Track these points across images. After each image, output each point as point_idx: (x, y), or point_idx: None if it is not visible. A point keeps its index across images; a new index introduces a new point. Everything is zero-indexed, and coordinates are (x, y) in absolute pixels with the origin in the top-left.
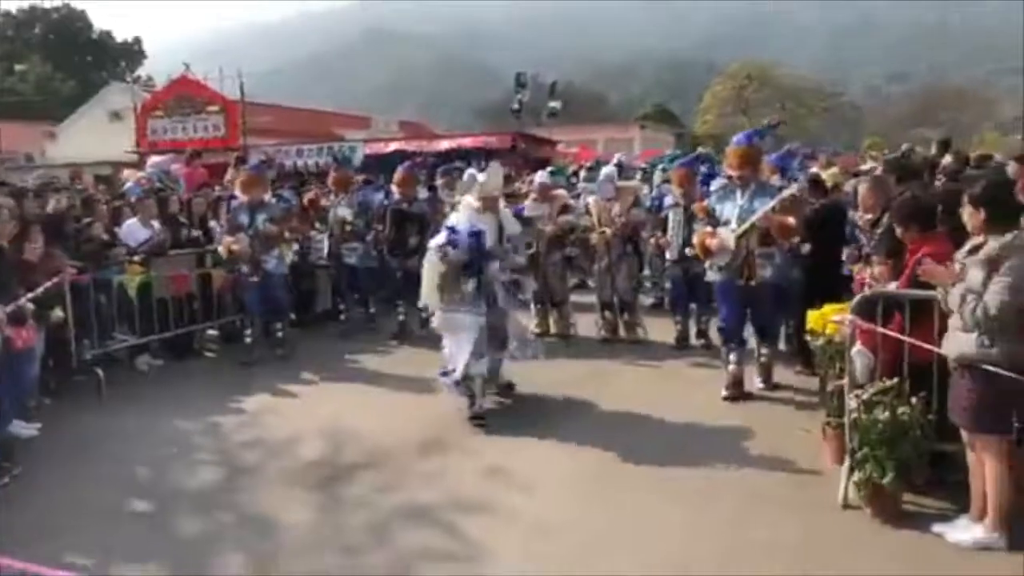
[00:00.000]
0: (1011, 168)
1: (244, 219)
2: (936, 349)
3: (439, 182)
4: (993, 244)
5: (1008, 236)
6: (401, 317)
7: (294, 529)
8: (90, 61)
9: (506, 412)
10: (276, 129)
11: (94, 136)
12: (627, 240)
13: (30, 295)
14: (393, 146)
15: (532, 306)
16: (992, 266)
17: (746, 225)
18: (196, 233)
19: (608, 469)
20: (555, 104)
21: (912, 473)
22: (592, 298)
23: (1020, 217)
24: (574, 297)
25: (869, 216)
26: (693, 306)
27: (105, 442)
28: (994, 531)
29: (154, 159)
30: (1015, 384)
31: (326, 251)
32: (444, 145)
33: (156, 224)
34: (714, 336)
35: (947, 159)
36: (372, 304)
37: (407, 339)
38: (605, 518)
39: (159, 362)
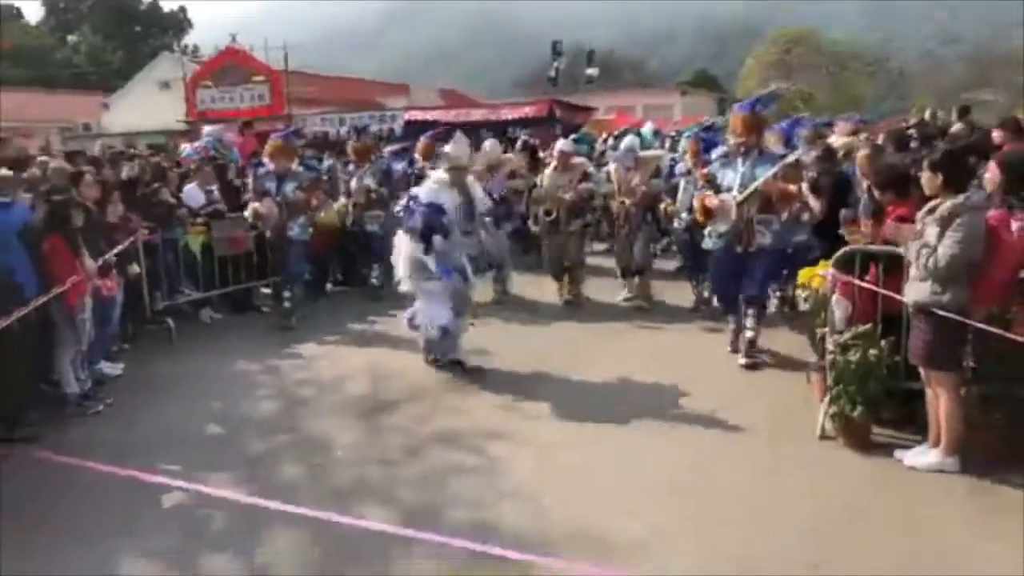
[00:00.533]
0: (996, 134)
1: (271, 186)
2: (901, 298)
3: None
4: (947, 204)
5: (960, 197)
6: None
7: (343, 449)
8: (139, 31)
9: (524, 360)
10: (320, 98)
11: (145, 106)
12: (647, 209)
13: (112, 251)
14: (433, 115)
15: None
16: (945, 223)
17: (749, 191)
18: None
19: (610, 407)
20: (592, 71)
21: (880, 408)
22: (611, 262)
23: (972, 181)
24: (599, 261)
25: (867, 182)
26: (704, 273)
27: (180, 380)
28: (947, 456)
29: (209, 128)
30: (962, 326)
31: (350, 220)
32: (482, 113)
33: (214, 189)
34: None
35: (957, 126)
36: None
37: None
38: (604, 443)
39: (219, 315)
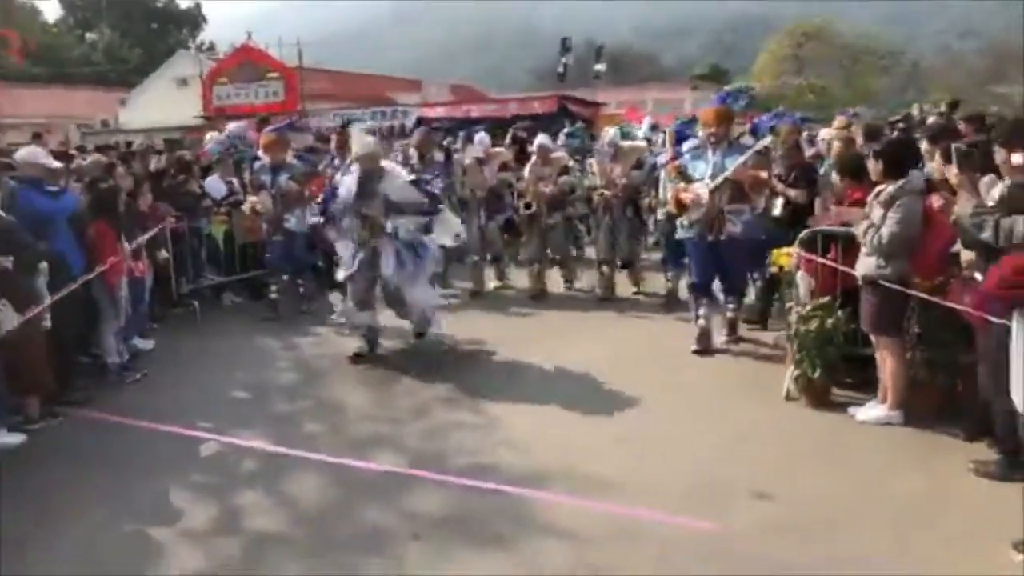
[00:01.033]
0: (962, 127)
1: (267, 179)
2: (854, 272)
3: (457, 144)
4: (888, 189)
5: (900, 182)
6: None
7: (356, 410)
8: (155, 28)
9: (520, 335)
10: (334, 94)
11: (163, 102)
12: (628, 201)
13: (143, 237)
14: (443, 110)
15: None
16: (887, 205)
17: (720, 179)
18: None
19: (593, 378)
20: (600, 67)
21: (837, 371)
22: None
23: (911, 168)
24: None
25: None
26: (684, 261)
27: (206, 354)
28: (892, 410)
29: (231, 125)
30: (903, 295)
31: None
32: (491, 109)
33: (235, 181)
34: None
35: (931, 119)
36: None
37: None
38: (588, 405)
39: (239, 299)
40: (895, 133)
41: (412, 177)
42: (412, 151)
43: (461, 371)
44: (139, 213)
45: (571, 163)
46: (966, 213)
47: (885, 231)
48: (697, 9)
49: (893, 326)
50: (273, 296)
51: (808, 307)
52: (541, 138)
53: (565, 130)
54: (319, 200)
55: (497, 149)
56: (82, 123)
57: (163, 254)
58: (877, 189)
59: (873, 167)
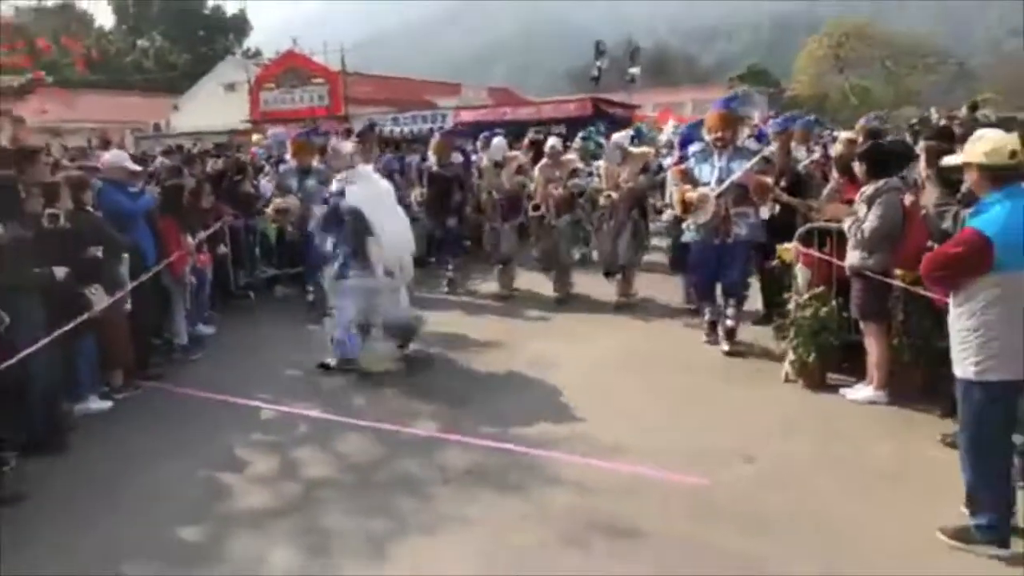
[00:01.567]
0: (959, 130)
1: (293, 182)
2: (843, 264)
3: (478, 145)
4: (870, 187)
5: (880, 182)
6: (449, 274)
7: (393, 386)
8: (202, 35)
9: (533, 333)
10: (375, 98)
11: (211, 107)
12: (633, 205)
13: (205, 232)
14: (479, 114)
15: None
16: (869, 202)
17: (727, 183)
18: None
19: (605, 367)
20: (634, 70)
21: (831, 356)
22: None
23: (891, 169)
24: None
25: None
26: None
27: (261, 339)
28: (878, 390)
29: (272, 130)
30: (886, 285)
31: None
32: (527, 112)
33: None
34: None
35: (942, 122)
36: None
37: (456, 289)
38: (600, 384)
39: (289, 291)
40: (907, 135)
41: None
42: (431, 154)
43: (484, 360)
44: (201, 211)
45: (582, 166)
46: (931, 204)
47: (866, 226)
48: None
49: (877, 313)
50: (311, 299)
51: (805, 297)
52: (552, 141)
53: (580, 133)
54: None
55: (513, 152)
56: (135, 127)
57: (222, 248)
58: (861, 188)
59: (857, 168)
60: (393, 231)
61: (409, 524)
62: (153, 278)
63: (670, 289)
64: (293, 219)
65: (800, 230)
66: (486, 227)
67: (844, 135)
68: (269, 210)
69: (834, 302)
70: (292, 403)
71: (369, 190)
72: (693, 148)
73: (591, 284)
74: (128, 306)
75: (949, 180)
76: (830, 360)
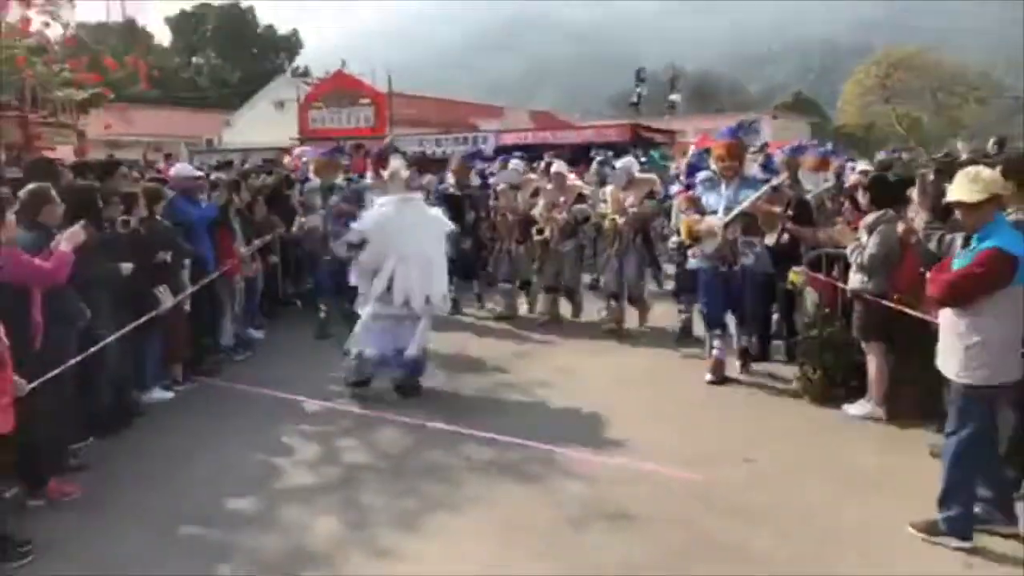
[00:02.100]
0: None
1: (318, 200)
2: (844, 286)
3: (495, 167)
4: (872, 216)
5: (880, 212)
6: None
7: (425, 389)
8: (255, 53)
9: (540, 353)
10: (419, 119)
11: (261, 124)
12: (639, 231)
13: (257, 243)
14: (521, 137)
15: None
16: (870, 230)
17: (736, 211)
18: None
19: (613, 383)
20: (675, 97)
21: (835, 374)
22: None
23: (893, 200)
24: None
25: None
26: (695, 294)
27: (306, 343)
28: (877, 406)
29: (298, 150)
30: (883, 306)
31: None
32: (568, 136)
33: None
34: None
35: (964, 156)
36: None
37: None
38: (609, 396)
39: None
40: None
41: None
42: (449, 176)
43: (506, 371)
44: (254, 223)
45: (588, 191)
46: (920, 228)
47: (866, 252)
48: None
49: (876, 333)
50: (323, 315)
51: (812, 318)
52: (556, 165)
53: (597, 158)
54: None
55: (530, 176)
56: (189, 141)
57: (272, 258)
58: (866, 218)
59: (861, 197)
60: (414, 263)
61: (437, 503)
62: (208, 283)
63: (671, 318)
64: (318, 237)
65: (809, 255)
66: (496, 248)
67: (860, 166)
68: (295, 228)
69: (839, 323)
70: (334, 399)
71: (395, 216)
72: (700, 176)
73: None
74: (187, 307)
75: (937, 207)
76: (835, 377)
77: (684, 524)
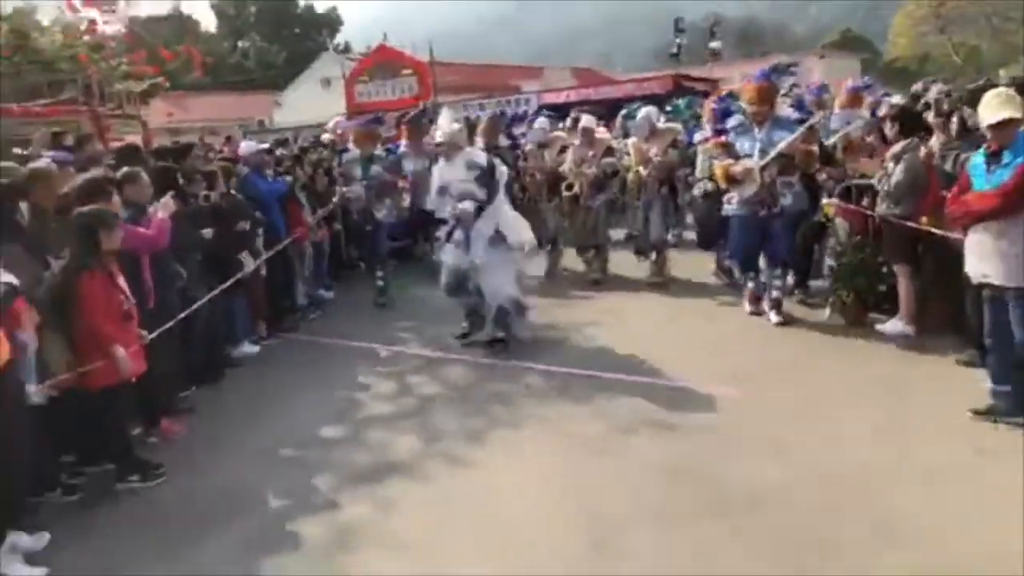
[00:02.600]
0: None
1: (357, 171)
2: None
3: (524, 128)
4: (898, 146)
5: (905, 141)
6: None
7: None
8: (297, 33)
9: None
10: (462, 85)
11: (309, 102)
12: (663, 182)
13: (322, 211)
14: (563, 96)
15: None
16: (896, 159)
17: (773, 153)
18: None
19: (659, 323)
20: (715, 45)
21: (867, 297)
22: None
23: (919, 130)
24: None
25: None
26: (722, 241)
27: (372, 301)
28: (907, 324)
29: (331, 124)
30: (911, 230)
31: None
32: (610, 91)
33: None
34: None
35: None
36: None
37: None
38: (651, 333)
39: (393, 262)
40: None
41: (478, 172)
42: (479, 137)
43: (553, 317)
44: (317, 193)
45: (616, 144)
46: (936, 149)
47: (893, 179)
48: None
49: (904, 255)
50: (381, 283)
51: (843, 247)
52: (585, 119)
53: (622, 111)
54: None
55: (557, 133)
56: (241, 123)
57: (336, 226)
58: (893, 147)
59: (888, 128)
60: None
61: (500, 422)
62: (281, 249)
63: (703, 265)
64: (359, 208)
65: (839, 187)
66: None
67: (894, 99)
68: (335, 199)
69: (869, 249)
70: (403, 345)
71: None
72: (731, 121)
73: (627, 264)
74: (263, 272)
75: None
76: (867, 300)
77: (722, 430)
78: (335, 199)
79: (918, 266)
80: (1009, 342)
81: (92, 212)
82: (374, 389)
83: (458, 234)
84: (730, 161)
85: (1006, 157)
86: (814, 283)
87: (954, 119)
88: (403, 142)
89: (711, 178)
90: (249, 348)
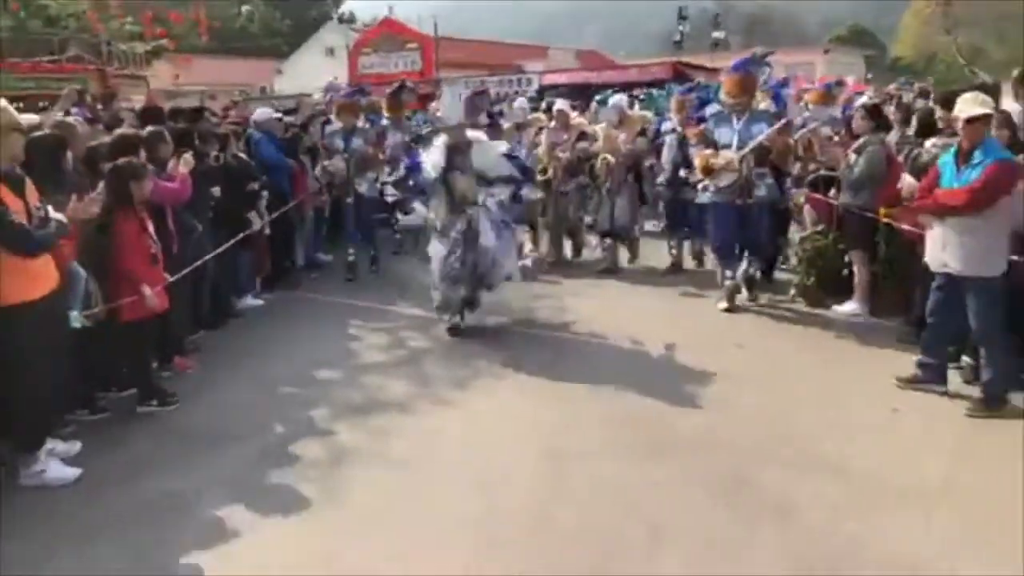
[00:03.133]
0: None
1: (339, 143)
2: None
3: (503, 107)
4: (862, 139)
5: (870, 136)
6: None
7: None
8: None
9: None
10: (465, 62)
11: (312, 70)
12: (630, 169)
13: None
14: (565, 77)
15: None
16: (859, 152)
17: (753, 144)
18: None
19: (625, 297)
20: (718, 35)
21: (828, 280)
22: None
23: (883, 126)
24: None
25: None
26: (687, 229)
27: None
28: (860, 305)
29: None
30: (869, 219)
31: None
32: (611, 75)
33: None
34: (709, 259)
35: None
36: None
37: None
38: (623, 310)
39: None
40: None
41: (504, 149)
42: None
43: (532, 290)
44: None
45: (590, 129)
46: (893, 142)
47: (856, 170)
48: None
49: (862, 243)
50: (351, 259)
51: (809, 232)
52: (560, 102)
53: (597, 96)
54: (400, 174)
55: (536, 115)
56: (243, 89)
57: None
58: (857, 140)
59: (857, 122)
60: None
61: (481, 372)
62: (284, 212)
63: (665, 253)
64: (340, 181)
65: (809, 177)
66: None
67: (864, 99)
68: (317, 171)
69: (832, 236)
70: (397, 305)
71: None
72: (710, 111)
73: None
74: (267, 231)
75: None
76: (827, 283)
77: (676, 388)
78: (316, 172)
79: (874, 253)
80: (947, 323)
81: (127, 164)
82: (368, 341)
83: (481, 223)
84: (710, 152)
85: (976, 156)
86: (778, 271)
87: (913, 117)
88: (385, 114)
89: (687, 167)
90: (252, 301)
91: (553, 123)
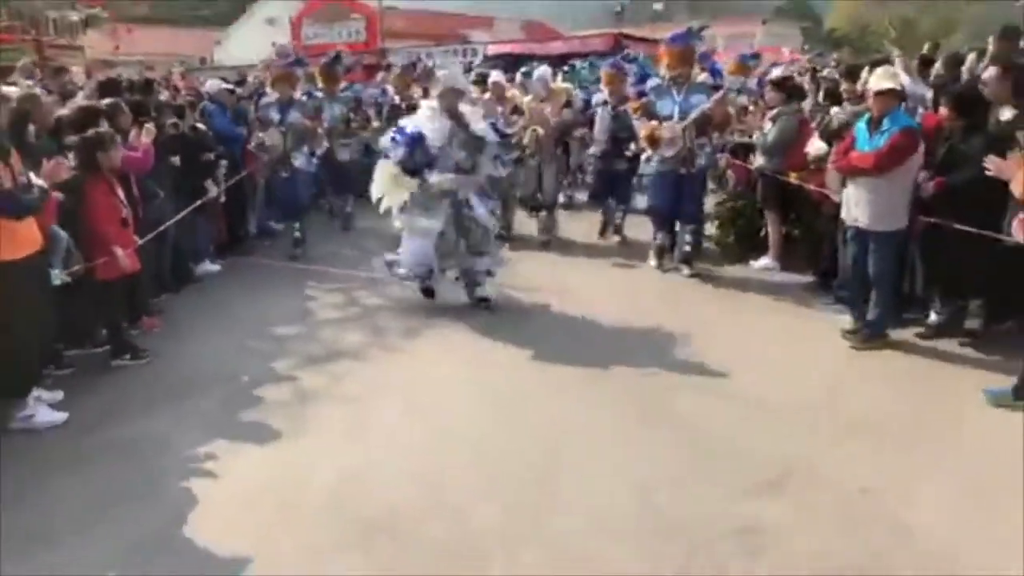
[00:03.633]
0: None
1: (275, 115)
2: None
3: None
4: (776, 109)
5: (783, 106)
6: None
7: None
8: None
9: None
10: (410, 33)
11: (253, 41)
12: (557, 141)
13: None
14: (509, 47)
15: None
16: (772, 120)
17: (695, 114)
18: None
19: (565, 269)
20: (658, 7)
21: (745, 239)
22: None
23: (794, 97)
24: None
25: None
26: (611, 200)
27: (320, 233)
28: (772, 261)
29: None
30: (779, 181)
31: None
32: (555, 46)
33: None
34: (630, 233)
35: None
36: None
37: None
38: (575, 276)
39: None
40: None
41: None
42: (390, 88)
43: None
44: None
45: (523, 102)
46: (807, 108)
47: (768, 137)
48: None
49: (774, 203)
50: (297, 235)
51: (728, 195)
52: (494, 75)
53: (522, 69)
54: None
55: (471, 87)
56: (182, 60)
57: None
58: (772, 110)
59: (769, 94)
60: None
61: (433, 326)
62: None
63: (595, 225)
64: (276, 155)
65: (731, 144)
66: None
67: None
68: (252, 145)
69: (749, 197)
70: (351, 268)
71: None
72: (650, 84)
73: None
74: (223, 199)
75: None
76: (745, 241)
77: (616, 340)
78: (250, 145)
79: (786, 213)
80: (862, 273)
81: (97, 134)
82: (324, 300)
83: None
84: (654, 124)
85: (885, 124)
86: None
87: (822, 87)
88: (320, 87)
89: (628, 139)
90: (210, 266)
91: (487, 95)
